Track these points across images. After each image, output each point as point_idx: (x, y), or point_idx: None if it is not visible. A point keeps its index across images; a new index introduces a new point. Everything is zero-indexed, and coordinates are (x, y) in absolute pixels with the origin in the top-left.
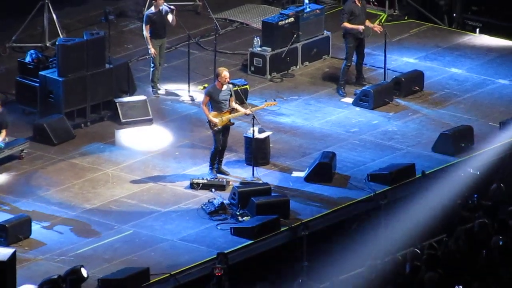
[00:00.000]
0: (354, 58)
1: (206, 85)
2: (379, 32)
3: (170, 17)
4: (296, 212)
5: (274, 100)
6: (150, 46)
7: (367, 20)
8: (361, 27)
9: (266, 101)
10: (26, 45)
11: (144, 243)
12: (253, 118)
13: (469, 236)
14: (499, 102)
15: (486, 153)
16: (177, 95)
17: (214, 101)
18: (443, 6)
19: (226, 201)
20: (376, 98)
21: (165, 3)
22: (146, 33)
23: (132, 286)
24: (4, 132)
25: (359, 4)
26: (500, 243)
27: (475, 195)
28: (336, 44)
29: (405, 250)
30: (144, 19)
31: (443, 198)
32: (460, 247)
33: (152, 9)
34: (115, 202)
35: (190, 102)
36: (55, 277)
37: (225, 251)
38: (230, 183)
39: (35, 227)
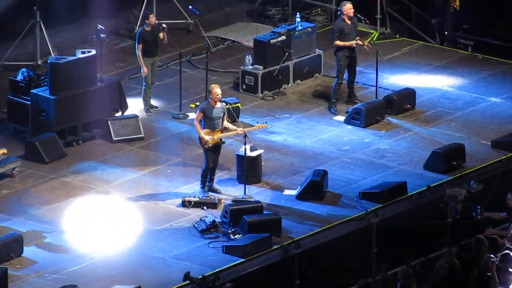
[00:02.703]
0: (346, 76)
1: (197, 103)
2: (368, 49)
3: (161, 35)
4: (288, 230)
5: (266, 122)
6: (142, 65)
7: (358, 37)
8: (353, 42)
9: (257, 123)
10: (18, 63)
11: (136, 262)
12: (245, 136)
13: (462, 254)
14: (490, 120)
15: None
16: (168, 113)
17: (207, 118)
18: (435, 24)
19: (218, 219)
20: (367, 116)
21: (157, 21)
22: (138, 52)
23: None
24: None
25: (349, 22)
26: (496, 262)
27: (478, 207)
28: (328, 62)
29: (397, 268)
30: (136, 38)
31: None
32: (452, 265)
33: (145, 27)
34: (106, 220)
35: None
36: None
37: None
38: (222, 201)
39: (27, 245)
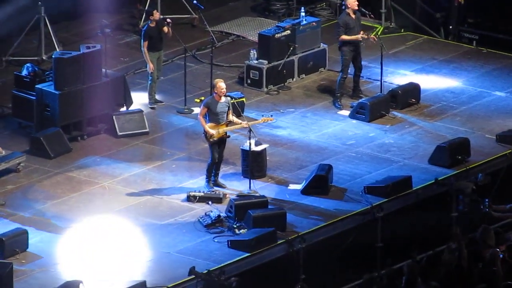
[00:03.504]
0: (351, 70)
1: (202, 98)
2: (373, 41)
3: (165, 29)
4: (293, 224)
5: (271, 115)
6: (148, 62)
7: (361, 31)
8: (359, 36)
9: (263, 115)
10: (23, 59)
11: (141, 256)
12: (250, 131)
13: (468, 247)
14: (495, 114)
15: None
16: (173, 108)
17: (212, 113)
18: (439, 18)
19: (223, 214)
20: (372, 110)
21: (161, 16)
22: (144, 49)
23: None
24: None
25: (353, 16)
26: (500, 256)
27: (486, 200)
28: (333, 57)
29: (402, 263)
30: (142, 35)
31: None
32: (457, 259)
33: (149, 23)
34: (112, 215)
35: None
36: None
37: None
38: (227, 196)
39: (32, 240)
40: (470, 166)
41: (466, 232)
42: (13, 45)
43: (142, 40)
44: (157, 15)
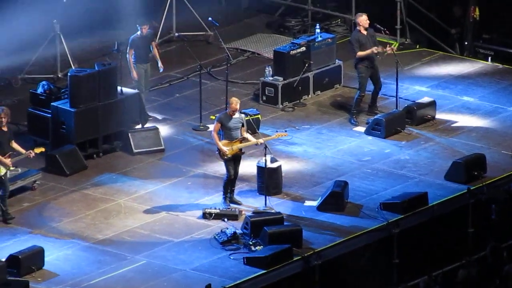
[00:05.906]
0: (369, 87)
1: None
2: (391, 52)
3: (153, 44)
4: (309, 241)
5: (285, 131)
6: (132, 69)
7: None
8: (374, 49)
9: (277, 131)
10: (38, 76)
11: (157, 274)
12: (265, 147)
13: (482, 264)
14: (511, 130)
15: None
16: (189, 125)
17: (225, 128)
18: (455, 34)
19: (238, 231)
20: (388, 126)
21: (150, 29)
22: (129, 56)
23: None
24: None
25: (365, 33)
26: None
27: None
28: (348, 73)
29: (418, 279)
30: (129, 42)
31: None
32: (472, 275)
33: (138, 33)
34: (127, 232)
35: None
36: None
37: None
38: (243, 212)
39: (48, 258)
40: (487, 182)
41: (498, 241)
42: (29, 63)
43: (128, 48)
44: (145, 29)
